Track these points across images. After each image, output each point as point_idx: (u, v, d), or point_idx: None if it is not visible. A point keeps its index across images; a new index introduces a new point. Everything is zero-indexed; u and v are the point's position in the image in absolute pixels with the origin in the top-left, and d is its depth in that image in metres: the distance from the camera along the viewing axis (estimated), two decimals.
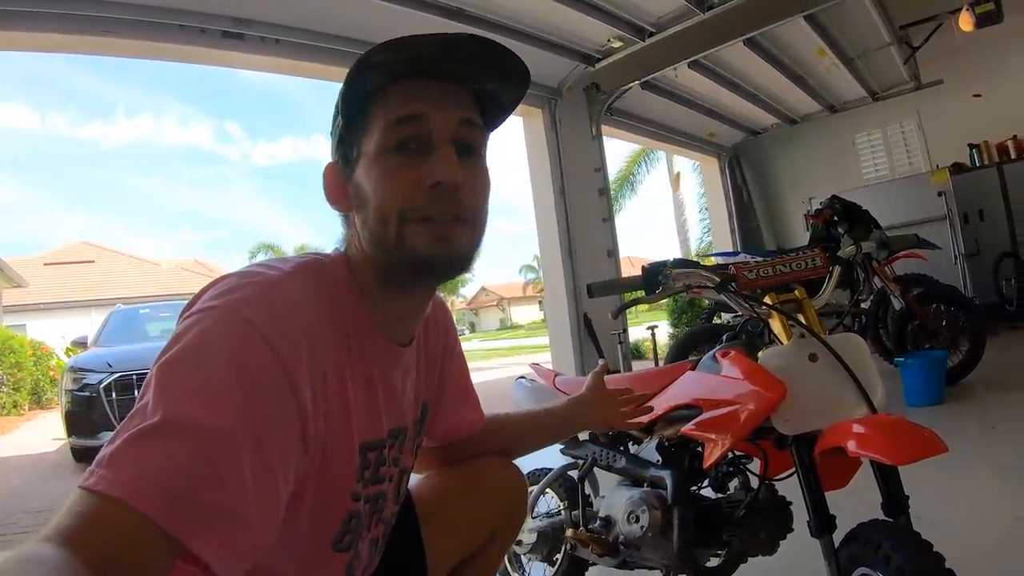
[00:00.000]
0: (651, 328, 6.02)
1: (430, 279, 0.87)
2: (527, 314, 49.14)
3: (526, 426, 1.33)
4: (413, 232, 0.79)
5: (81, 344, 7.92)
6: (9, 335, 11.85)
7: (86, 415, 5.67)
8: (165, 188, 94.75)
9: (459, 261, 0.82)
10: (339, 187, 0.85)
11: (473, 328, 53.30)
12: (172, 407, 0.60)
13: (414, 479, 1.13)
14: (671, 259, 1.44)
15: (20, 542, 0.52)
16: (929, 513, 1.46)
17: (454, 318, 1.16)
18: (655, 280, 1.41)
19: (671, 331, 9.16)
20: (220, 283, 0.72)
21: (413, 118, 0.79)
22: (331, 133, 0.87)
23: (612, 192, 14.97)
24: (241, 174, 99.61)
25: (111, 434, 0.60)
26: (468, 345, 30.15)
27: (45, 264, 22.35)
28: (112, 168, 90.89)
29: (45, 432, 8.96)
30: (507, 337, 35.13)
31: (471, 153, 0.83)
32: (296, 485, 0.70)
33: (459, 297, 47.42)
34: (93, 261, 23.34)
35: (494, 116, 0.90)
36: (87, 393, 5.78)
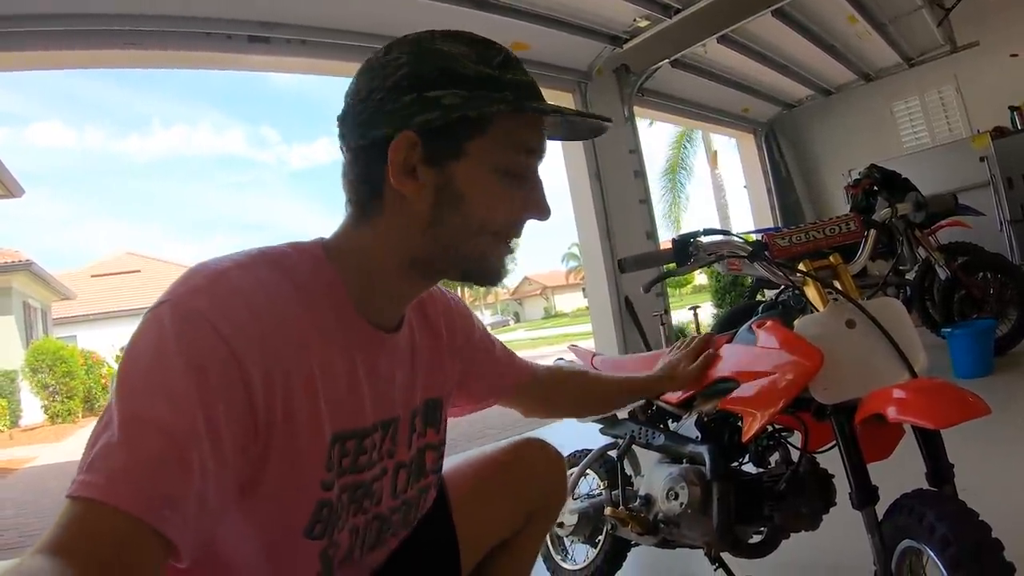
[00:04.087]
0: (693, 309, 5.95)
1: (478, 285, 0.93)
2: (571, 302, 48.90)
3: (613, 388, 1.45)
4: (496, 250, 0.85)
5: None
6: (60, 346, 12.29)
7: None
8: (203, 195, 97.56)
9: (501, 281, 0.93)
10: (412, 164, 0.78)
11: (518, 318, 53.32)
12: (134, 404, 0.62)
13: (446, 464, 1.11)
14: (701, 229, 1.42)
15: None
16: (976, 485, 1.41)
17: (466, 304, 1.15)
18: (686, 251, 1.39)
19: (715, 312, 9.01)
20: (177, 279, 0.73)
21: (537, 152, 0.85)
22: (413, 95, 0.77)
23: (669, 180, 14.80)
24: (277, 177, 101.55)
25: None
26: (513, 335, 30.15)
27: (92, 276, 23.00)
28: (151, 178, 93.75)
29: None
30: (552, 325, 34.99)
31: None
32: (254, 469, 0.71)
33: (502, 288, 47.46)
34: (139, 270, 23.91)
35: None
36: None
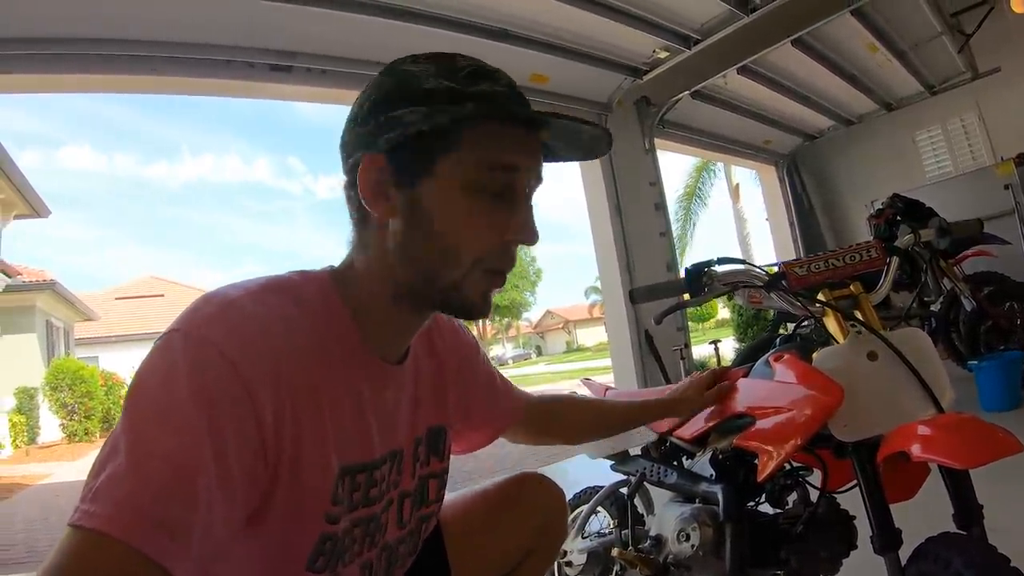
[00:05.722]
0: (714, 343, 5.87)
1: (459, 318, 0.89)
2: (594, 336, 48.26)
3: (615, 411, 1.40)
4: (475, 282, 0.78)
5: None
6: (80, 366, 12.46)
7: None
8: (229, 223, 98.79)
9: (488, 313, 0.83)
10: (382, 186, 0.77)
11: (540, 352, 53.14)
12: (142, 435, 0.61)
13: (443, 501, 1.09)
14: (715, 258, 1.38)
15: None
16: (1005, 525, 1.33)
17: (471, 333, 1.13)
18: (699, 281, 1.34)
19: (737, 347, 8.87)
20: (187, 307, 0.71)
21: (513, 169, 0.78)
22: (384, 117, 0.77)
23: (683, 208, 14.75)
24: (304, 207, 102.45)
25: None
26: (534, 369, 30.03)
27: (116, 298, 23.32)
28: (178, 205, 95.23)
29: None
30: (574, 360, 34.71)
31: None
32: (261, 501, 0.69)
33: (524, 321, 47.30)
34: (163, 295, 24.19)
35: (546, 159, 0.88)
36: None
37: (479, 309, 0.81)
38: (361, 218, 0.82)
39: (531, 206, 0.81)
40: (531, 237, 0.80)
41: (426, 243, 0.77)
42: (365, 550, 0.84)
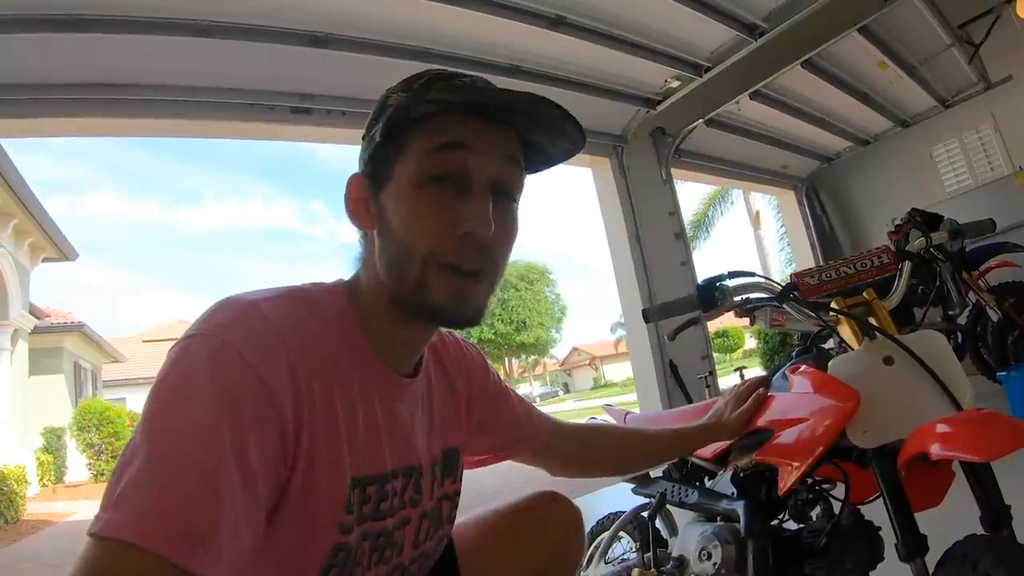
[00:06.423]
0: (739, 370, 5.78)
1: (437, 325, 0.85)
2: (620, 371, 47.47)
3: (656, 441, 1.34)
4: (435, 279, 0.76)
5: None
6: (107, 407, 12.63)
7: None
8: (255, 267, 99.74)
9: (471, 319, 0.80)
10: (363, 202, 0.82)
11: (567, 388, 52.64)
12: (164, 440, 0.61)
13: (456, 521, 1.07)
14: (726, 272, 1.37)
15: None
16: None
17: (478, 352, 1.11)
18: (711, 296, 1.34)
19: (765, 375, 8.73)
20: (205, 311, 0.72)
21: (456, 146, 0.76)
22: (364, 140, 0.83)
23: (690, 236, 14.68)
24: (329, 251, 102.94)
25: None
26: (562, 406, 29.75)
27: (144, 341, 23.65)
28: (203, 250, 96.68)
29: None
30: (601, 396, 34.13)
31: (505, 197, 0.81)
32: (277, 501, 0.69)
33: (551, 359, 46.88)
34: None
35: (538, 163, 0.88)
36: None
37: (450, 312, 0.78)
38: (361, 235, 0.85)
39: (487, 197, 0.77)
40: (480, 227, 0.75)
41: (392, 246, 0.78)
42: (373, 566, 0.83)
